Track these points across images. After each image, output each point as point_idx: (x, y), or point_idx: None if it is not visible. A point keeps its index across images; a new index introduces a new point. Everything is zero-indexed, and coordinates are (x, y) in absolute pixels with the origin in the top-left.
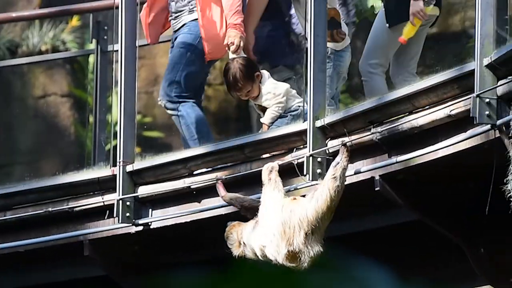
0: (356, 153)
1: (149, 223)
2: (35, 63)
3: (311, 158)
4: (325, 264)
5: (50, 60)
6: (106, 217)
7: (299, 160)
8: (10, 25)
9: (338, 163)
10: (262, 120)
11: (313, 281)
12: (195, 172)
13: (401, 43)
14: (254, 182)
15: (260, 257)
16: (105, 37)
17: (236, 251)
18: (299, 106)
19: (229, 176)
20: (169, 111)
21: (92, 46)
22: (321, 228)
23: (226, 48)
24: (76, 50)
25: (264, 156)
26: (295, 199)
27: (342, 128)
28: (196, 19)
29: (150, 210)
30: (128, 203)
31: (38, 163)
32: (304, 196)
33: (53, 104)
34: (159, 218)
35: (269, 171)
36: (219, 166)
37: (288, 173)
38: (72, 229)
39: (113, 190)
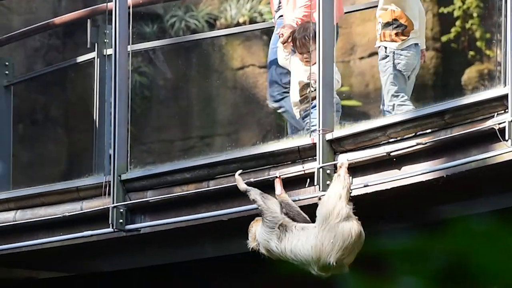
0: None
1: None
2: (233, 35)
3: None
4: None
5: (248, 31)
6: (306, 186)
7: (500, 126)
8: None
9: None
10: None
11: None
12: (394, 139)
13: None
14: (454, 148)
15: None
16: None
17: (252, 244)
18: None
19: (428, 142)
20: (277, 110)
21: None
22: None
23: None
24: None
25: (465, 121)
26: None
27: None
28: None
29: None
30: (328, 171)
31: (237, 133)
32: None
33: (251, 75)
34: (358, 186)
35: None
36: (419, 133)
37: (489, 138)
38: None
39: (313, 158)
